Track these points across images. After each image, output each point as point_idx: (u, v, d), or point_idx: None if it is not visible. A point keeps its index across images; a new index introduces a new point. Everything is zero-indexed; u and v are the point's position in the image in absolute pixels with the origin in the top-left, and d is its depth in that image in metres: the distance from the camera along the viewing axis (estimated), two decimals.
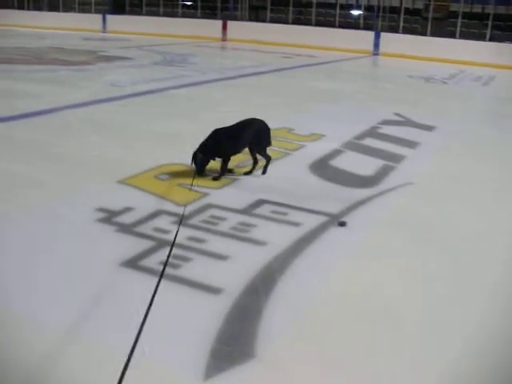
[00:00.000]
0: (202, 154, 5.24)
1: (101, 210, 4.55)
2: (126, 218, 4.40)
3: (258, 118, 5.64)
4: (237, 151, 5.55)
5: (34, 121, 7.82)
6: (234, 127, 5.53)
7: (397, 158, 6.59)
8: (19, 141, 6.66)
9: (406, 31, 22.29)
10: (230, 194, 5.06)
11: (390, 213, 4.95)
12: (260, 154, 5.57)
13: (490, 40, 20.84)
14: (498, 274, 3.98)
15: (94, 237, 4.15)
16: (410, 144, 7.40)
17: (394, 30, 22.71)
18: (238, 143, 5.49)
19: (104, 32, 26.88)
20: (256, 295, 3.42)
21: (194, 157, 5.24)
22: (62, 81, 11.52)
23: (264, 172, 5.63)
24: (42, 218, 4.42)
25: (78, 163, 5.79)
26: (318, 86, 12.66)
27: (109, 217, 4.43)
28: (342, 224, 4.44)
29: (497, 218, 5.01)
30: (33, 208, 4.60)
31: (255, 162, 5.60)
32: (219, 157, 5.43)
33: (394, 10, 23.39)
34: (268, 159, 5.61)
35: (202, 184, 5.17)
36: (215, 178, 5.37)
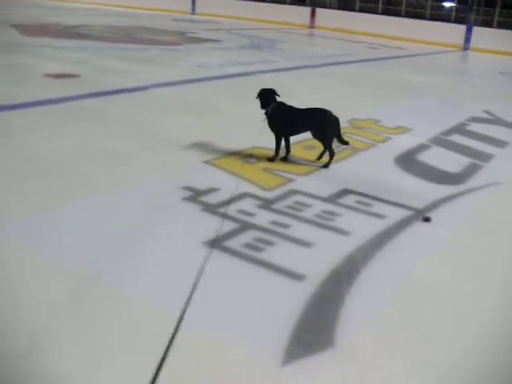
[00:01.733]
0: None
1: (187, 188, 4.66)
2: (212, 198, 4.50)
3: (329, 109, 5.53)
4: (290, 133, 5.57)
5: (126, 97, 8.08)
6: (297, 109, 5.52)
7: (485, 157, 6.44)
8: (113, 116, 6.90)
9: (501, 26, 21.53)
10: (315, 182, 5.07)
11: (476, 212, 4.86)
12: (323, 143, 5.49)
13: None
14: None
15: (180, 215, 4.25)
16: (499, 143, 7.21)
17: (487, 24, 21.97)
18: (293, 126, 5.47)
19: (193, 14, 27.17)
20: (338, 284, 3.44)
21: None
22: (152, 60, 11.77)
23: (326, 166, 5.47)
24: (131, 194, 4.56)
25: (167, 141, 5.93)
26: (405, 79, 12.48)
27: (194, 196, 4.53)
28: (427, 219, 4.40)
29: None
30: (122, 184, 4.77)
31: (330, 153, 5.48)
32: (272, 130, 5.54)
33: (490, 3, 22.59)
34: (331, 153, 5.48)
35: (287, 169, 5.22)
36: (269, 159, 5.48)
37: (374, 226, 4.21)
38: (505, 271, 3.89)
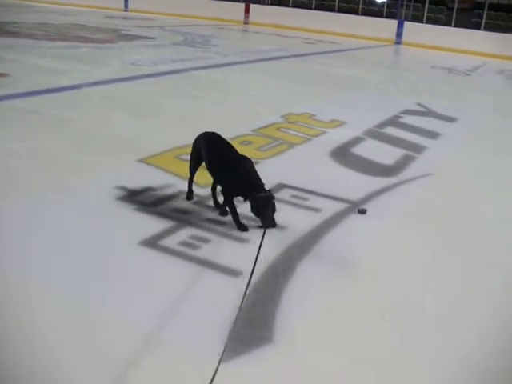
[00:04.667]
0: None
1: (122, 188, 4.56)
2: (146, 197, 4.41)
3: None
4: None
5: (58, 97, 7.85)
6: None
7: (418, 148, 6.55)
8: (45, 117, 6.69)
9: (430, 21, 22.03)
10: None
11: (410, 202, 4.92)
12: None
13: None
14: None
15: (114, 215, 4.15)
16: (432, 135, 7.36)
17: (417, 19, 22.46)
18: None
19: (126, 11, 26.78)
20: (275, 280, 3.42)
21: None
22: (84, 58, 11.52)
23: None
24: (63, 195, 4.43)
25: (101, 141, 5.81)
26: (339, 73, 12.59)
27: (129, 195, 4.43)
28: (363, 211, 4.43)
29: None
30: (55, 184, 4.62)
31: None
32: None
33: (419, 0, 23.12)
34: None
35: None
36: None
37: (311, 220, 4.21)
38: (437, 258, 3.96)
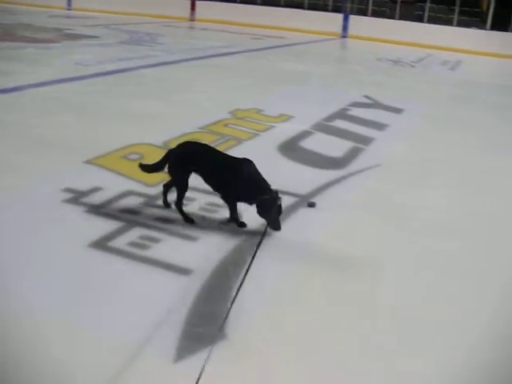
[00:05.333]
0: None
1: (68, 190, 4.47)
2: (94, 199, 4.34)
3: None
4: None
5: (2, 99, 7.65)
6: None
7: (366, 140, 6.63)
8: None
9: (375, 14, 22.29)
10: (198, 175, 4.98)
11: (359, 194, 4.97)
12: None
13: (458, 25, 20.96)
14: (462, 252, 4.05)
15: (61, 218, 4.08)
16: (379, 126, 7.45)
17: (362, 12, 22.69)
18: None
19: (69, 9, 26.27)
20: (226, 276, 3.41)
21: None
22: (29, 58, 11.28)
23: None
24: (9, 199, 4.33)
25: (45, 143, 5.68)
26: (287, 68, 12.62)
27: (76, 197, 4.36)
28: (312, 205, 4.45)
29: (462, 198, 5.08)
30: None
31: None
32: None
33: None
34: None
35: None
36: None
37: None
38: (384, 247, 4.01)
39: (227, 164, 3.99)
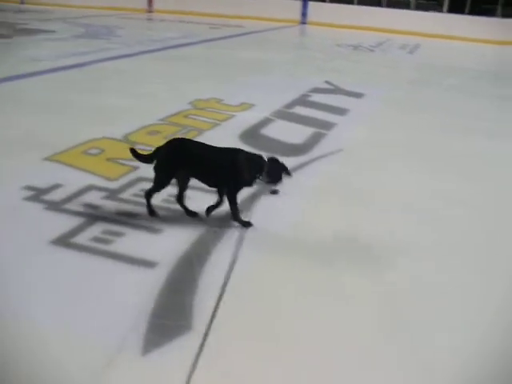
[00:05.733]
0: None
1: (28, 188, 4.40)
2: (55, 196, 4.28)
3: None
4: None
5: None
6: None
7: (327, 126, 6.65)
8: None
9: (334, 0, 22.33)
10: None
11: (322, 179, 4.99)
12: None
13: (416, 9, 21.15)
14: (427, 232, 4.09)
15: (22, 216, 4.01)
16: (340, 111, 7.49)
17: None
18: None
19: (22, 3, 25.72)
20: (190, 267, 3.39)
21: None
22: None
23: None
24: None
25: (3, 141, 5.57)
26: (247, 57, 12.60)
27: (36, 195, 4.29)
28: (274, 192, 4.43)
29: (424, 179, 5.14)
30: None
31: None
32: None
33: None
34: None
35: (131, 157, 5.05)
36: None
37: (223, 205, 4.18)
38: (348, 232, 4.04)
39: (223, 158, 3.88)
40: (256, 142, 5.79)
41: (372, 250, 3.81)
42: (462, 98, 9.49)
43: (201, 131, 6.01)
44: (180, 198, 4.08)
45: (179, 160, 3.87)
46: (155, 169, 3.94)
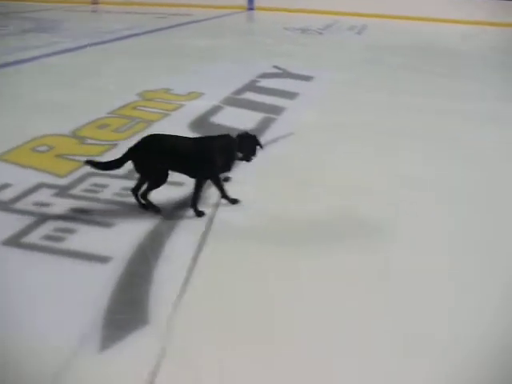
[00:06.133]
0: None
1: None
2: (3, 195, 4.21)
3: None
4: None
5: None
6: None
7: (277, 110, 6.68)
8: None
9: None
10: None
11: (274, 163, 4.98)
12: None
13: None
14: (379, 211, 4.16)
15: None
16: (289, 95, 7.52)
17: None
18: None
19: None
20: (145, 260, 3.38)
21: None
22: None
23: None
24: None
25: None
26: (195, 45, 12.49)
27: None
28: (226, 179, 4.46)
29: (377, 160, 5.21)
30: None
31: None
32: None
33: None
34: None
35: (81, 152, 5.01)
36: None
37: (174, 195, 4.19)
38: (304, 213, 4.09)
39: (197, 147, 3.95)
40: (206, 130, 5.77)
41: (325, 231, 3.86)
42: (410, 77, 9.62)
43: (150, 123, 5.97)
44: (136, 190, 4.04)
45: (158, 156, 3.85)
46: (141, 171, 3.91)
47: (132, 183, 4.15)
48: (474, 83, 9.25)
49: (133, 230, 3.72)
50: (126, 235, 3.66)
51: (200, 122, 6.08)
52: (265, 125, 6.00)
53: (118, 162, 3.93)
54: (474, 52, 13.43)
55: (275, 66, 9.53)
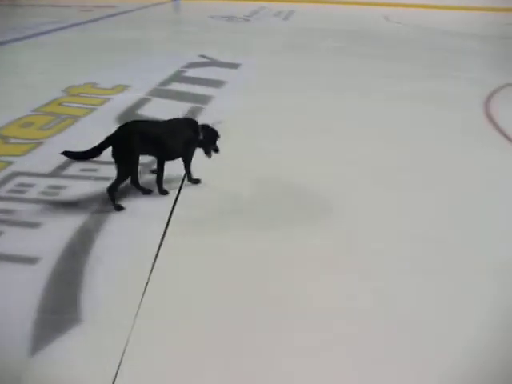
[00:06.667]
0: None
1: None
2: None
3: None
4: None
5: None
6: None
7: (204, 99, 6.68)
8: None
9: None
10: (36, 159, 4.82)
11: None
12: None
13: None
14: (306, 190, 4.23)
15: None
16: (216, 83, 7.53)
17: None
18: None
19: None
20: (74, 258, 3.34)
21: None
22: None
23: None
24: None
25: None
26: (120, 37, 12.26)
27: None
28: (154, 171, 4.43)
29: (305, 142, 5.30)
30: None
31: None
32: None
33: None
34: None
35: (3, 153, 4.89)
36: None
37: (103, 190, 4.13)
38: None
39: (176, 128, 4.24)
40: None
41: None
42: (336, 60, 9.78)
43: (76, 118, 5.87)
44: (136, 181, 4.17)
45: (140, 143, 3.93)
46: (119, 159, 3.92)
47: (57, 181, 4.10)
48: (403, 64, 9.54)
49: (61, 228, 3.66)
50: (54, 234, 3.60)
51: (127, 115, 6.01)
52: (193, 115, 5.96)
53: (97, 150, 3.92)
54: (397, 35, 13.71)
55: (202, 56, 9.49)
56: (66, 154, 3.97)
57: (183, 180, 4.41)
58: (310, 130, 5.66)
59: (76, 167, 4.57)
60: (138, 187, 4.19)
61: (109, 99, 6.67)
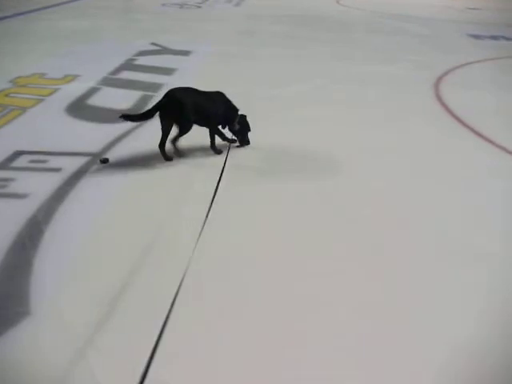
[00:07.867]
0: None
1: None
2: None
3: None
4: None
5: None
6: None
7: (154, 87, 6.64)
8: None
9: None
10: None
11: (153, 141, 4.92)
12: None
13: None
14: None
15: None
16: (167, 71, 7.52)
17: None
18: None
19: None
20: (23, 250, 3.30)
21: None
22: None
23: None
24: None
25: None
26: (70, 26, 11.97)
27: None
28: (105, 161, 4.41)
29: (257, 126, 5.28)
30: None
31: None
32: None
33: None
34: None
35: None
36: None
37: (52, 182, 4.09)
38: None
39: (216, 97, 4.87)
40: (83, 113, 5.68)
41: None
42: (287, 44, 9.88)
43: (24, 109, 5.77)
44: (163, 146, 4.55)
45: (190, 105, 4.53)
46: (181, 118, 4.49)
47: (5, 173, 4.04)
48: (353, 48, 9.69)
49: (9, 221, 3.60)
50: (3, 227, 3.54)
51: (77, 105, 5.95)
52: (143, 102, 5.95)
53: (149, 114, 4.51)
54: (349, 19, 13.82)
55: (153, 43, 9.42)
56: (124, 116, 4.49)
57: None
58: (260, 118, 5.62)
59: (24, 159, 4.51)
60: (163, 152, 4.54)
61: (58, 89, 6.56)
